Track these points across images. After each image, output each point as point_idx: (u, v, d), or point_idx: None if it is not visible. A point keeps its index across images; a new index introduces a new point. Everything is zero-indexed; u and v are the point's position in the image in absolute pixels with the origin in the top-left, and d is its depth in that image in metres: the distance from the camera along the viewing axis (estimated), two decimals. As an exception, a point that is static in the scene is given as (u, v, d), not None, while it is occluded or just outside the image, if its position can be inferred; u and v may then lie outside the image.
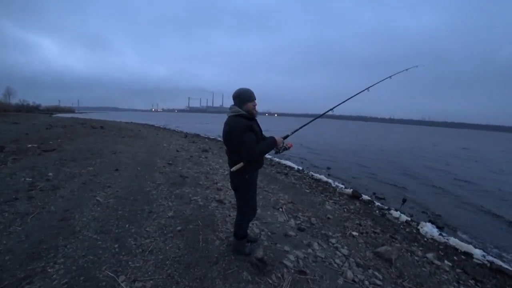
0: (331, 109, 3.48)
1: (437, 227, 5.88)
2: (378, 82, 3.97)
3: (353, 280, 3.03)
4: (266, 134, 2.99)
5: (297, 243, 3.71)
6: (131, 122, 39.10)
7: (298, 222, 4.58)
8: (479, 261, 4.67)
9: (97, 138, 13.45)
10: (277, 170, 9.52)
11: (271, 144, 2.73)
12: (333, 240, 4.02)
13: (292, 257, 3.25)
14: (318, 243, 3.81)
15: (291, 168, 10.65)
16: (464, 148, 30.67)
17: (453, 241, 5.15)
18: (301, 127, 3.22)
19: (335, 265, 3.29)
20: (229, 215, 4.34)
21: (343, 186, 8.39)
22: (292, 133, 3.08)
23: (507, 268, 4.50)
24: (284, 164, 11.37)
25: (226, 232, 3.72)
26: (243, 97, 2.69)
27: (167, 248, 3.20)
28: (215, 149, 12.99)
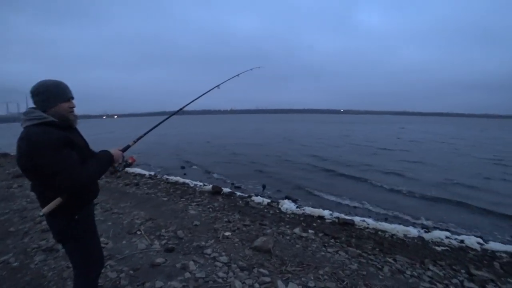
0: (181, 109, 2.88)
1: (293, 201, 6.46)
2: (228, 80, 3.99)
3: (244, 290, 2.66)
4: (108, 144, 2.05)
5: (170, 270, 2.99)
6: None
7: (164, 241, 3.80)
8: (330, 220, 5.36)
9: None
10: (125, 182, 8.04)
11: (106, 161, 1.81)
12: (209, 250, 3.52)
13: (168, 294, 2.54)
14: (193, 260, 3.22)
15: (142, 175, 9.30)
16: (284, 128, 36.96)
17: (308, 210, 5.73)
18: (146, 133, 2.40)
19: (220, 281, 2.82)
20: (68, 266, 3.07)
21: (201, 183, 8.02)
22: (135, 141, 2.21)
23: (349, 219, 5.35)
24: (132, 172, 9.83)
25: (67, 297, 2.54)
26: (51, 94, 1.66)
27: None
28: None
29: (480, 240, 4.66)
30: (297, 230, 4.50)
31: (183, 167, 11.51)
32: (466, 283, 3.20)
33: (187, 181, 8.31)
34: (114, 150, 1.90)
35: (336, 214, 5.68)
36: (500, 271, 3.64)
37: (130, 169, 10.08)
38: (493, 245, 4.49)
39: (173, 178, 8.61)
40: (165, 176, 9.22)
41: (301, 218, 5.32)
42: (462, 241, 4.60)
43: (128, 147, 2.11)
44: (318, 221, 5.27)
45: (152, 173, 9.65)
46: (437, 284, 3.11)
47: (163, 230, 4.20)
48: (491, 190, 8.60)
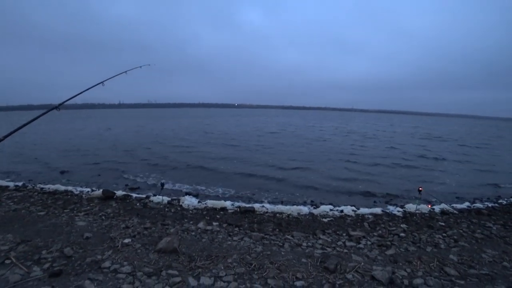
0: (56, 107, 2.47)
1: (194, 196, 6.43)
2: (114, 77, 3.82)
3: (152, 298, 2.54)
4: None
5: (59, 301, 2.58)
6: None
7: (47, 265, 3.20)
8: (232, 210, 5.61)
9: None
10: (-25, 200, 6.35)
11: None
12: (107, 263, 3.18)
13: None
14: (90, 279, 2.84)
15: (3, 188, 7.47)
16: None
17: (210, 203, 5.85)
18: (7, 135, 1.98)
19: (125, 295, 2.61)
20: None
21: (88, 189, 7.09)
22: None
23: (249, 206, 5.72)
24: (-15, 185, 7.77)
25: None
26: None
27: None
28: None
29: (354, 208, 5.91)
30: (201, 224, 4.54)
31: (63, 172, 9.80)
32: (347, 243, 4.06)
33: (70, 188, 7.21)
34: None
35: (237, 203, 5.97)
36: (368, 228, 4.82)
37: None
38: (362, 210, 5.81)
39: (51, 187, 7.31)
40: (39, 185, 7.72)
41: (204, 212, 5.39)
42: (342, 211, 5.77)
43: None
44: (221, 212, 5.44)
45: (20, 183, 7.95)
46: (327, 248, 3.79)
47: (44, 252, 3.52)
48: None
